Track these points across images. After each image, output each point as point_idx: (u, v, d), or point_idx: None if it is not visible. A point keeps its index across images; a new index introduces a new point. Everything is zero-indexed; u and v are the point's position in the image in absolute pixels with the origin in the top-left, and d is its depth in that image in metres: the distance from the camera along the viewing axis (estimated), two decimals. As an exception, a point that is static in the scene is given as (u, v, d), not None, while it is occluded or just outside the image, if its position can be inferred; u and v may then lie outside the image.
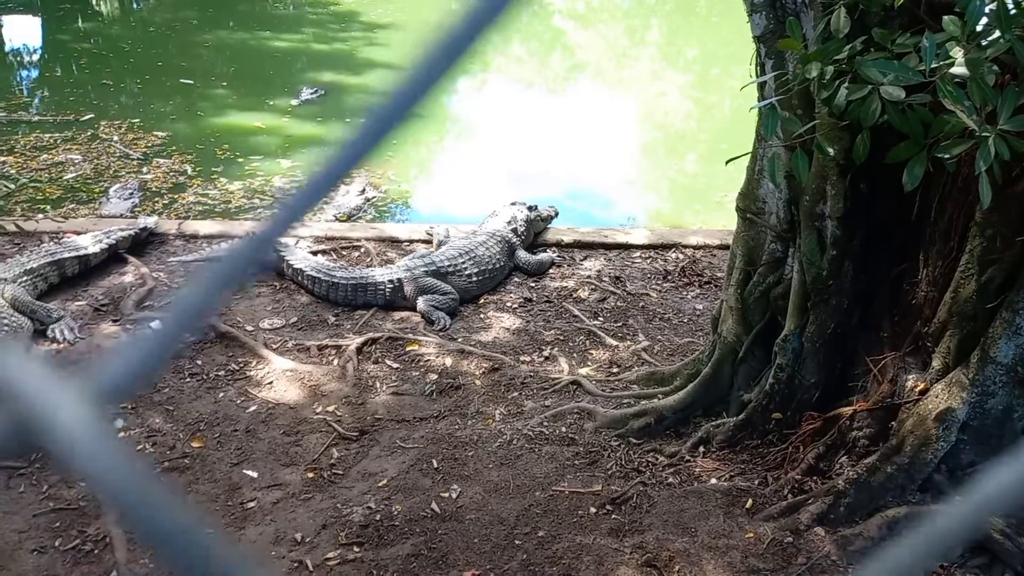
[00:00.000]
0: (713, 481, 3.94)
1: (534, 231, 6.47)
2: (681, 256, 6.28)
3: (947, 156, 2.73)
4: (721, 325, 4.29)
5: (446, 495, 4.03)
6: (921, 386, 3.55)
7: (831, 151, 3.25)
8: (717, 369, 4.26)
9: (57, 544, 3.72)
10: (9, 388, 0.36)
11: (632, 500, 3.88)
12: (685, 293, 5.85)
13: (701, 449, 4.12)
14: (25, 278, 5.39)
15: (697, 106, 11.55)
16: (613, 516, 3.82)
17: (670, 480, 3.98)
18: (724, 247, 6.17)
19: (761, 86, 3.78)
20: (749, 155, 4.05)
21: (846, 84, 2.83)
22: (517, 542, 3.74)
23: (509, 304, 5.80)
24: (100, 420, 0.36)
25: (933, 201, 3.44)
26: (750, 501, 3.76)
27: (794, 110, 3.48)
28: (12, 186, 7.22)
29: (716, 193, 7.99)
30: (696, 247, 6.38)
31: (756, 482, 3.87)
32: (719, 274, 5.92)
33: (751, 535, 3.60)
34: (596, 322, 5.52)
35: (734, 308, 4.19)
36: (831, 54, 2.89)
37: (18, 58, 12.60)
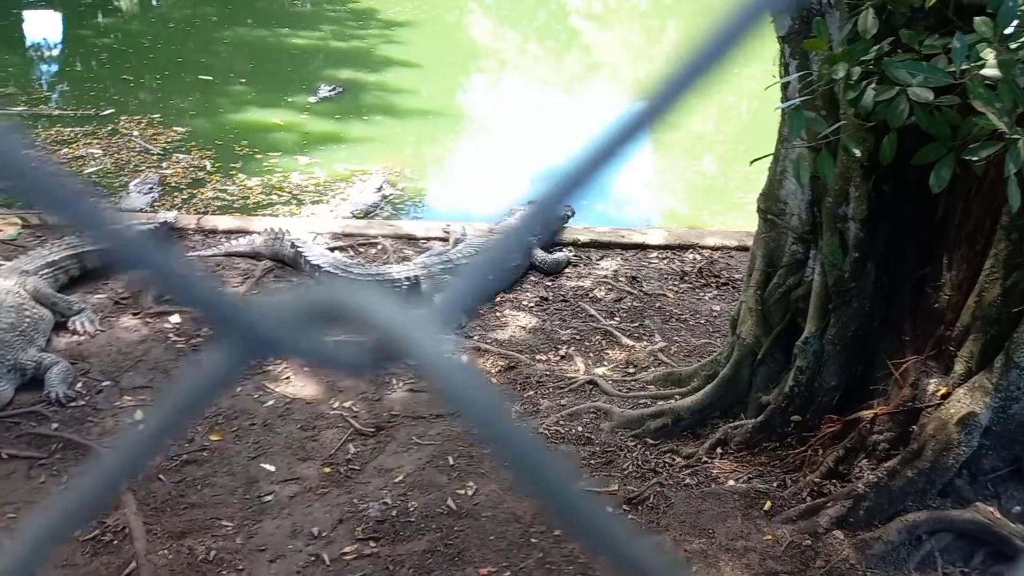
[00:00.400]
0: (731, 483, 3.92)
1: (551, 230, 6.46)
2: (698, 257, 6.26)
3: (976, 158, 2.71)
4: (740, 326, 4.27)
5: (462, 492, 4.04)
6: (943, 390, 3.53)
7: (857, 152, 3.24)
8: (735, 371, 4.25)
9: (76, 534, 3.74)
10: (368, 317, 0.41)
11: (649, 500, 3.87)
12: (702, 294, 5.83)
13: (719, 450, 4.10)
14: (47, 270, 5.43)
15: (714, 107, 11.51)
16: (630, 516, 3.82)
17: (687, 481, 3.97)
18: (742, 248, 6.15)
19: (785, 86, 3.76)
20: (771, 156, 4.04)
21: (873, 85, 2.82)
22: (533, 540, 3.74)
23: (525, 303, 5.80)
24: (453, 347, 0.40)
25: (958, 203, 3.41)
26: (768, 503, 3.75)
27: (818, 111, 3.47)
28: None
29: (735, 194, 7.97)
30: (714, 248, 6.36)
31: (774, 484, 3.86)
32: (737, 275, 5.90)
33: (769, 537, 3.59)
34: (612, 322, 5.51)
35: (753, 310, 4.18)
36: (858, 55, 2.87)
37: (39, 53, 12.69)
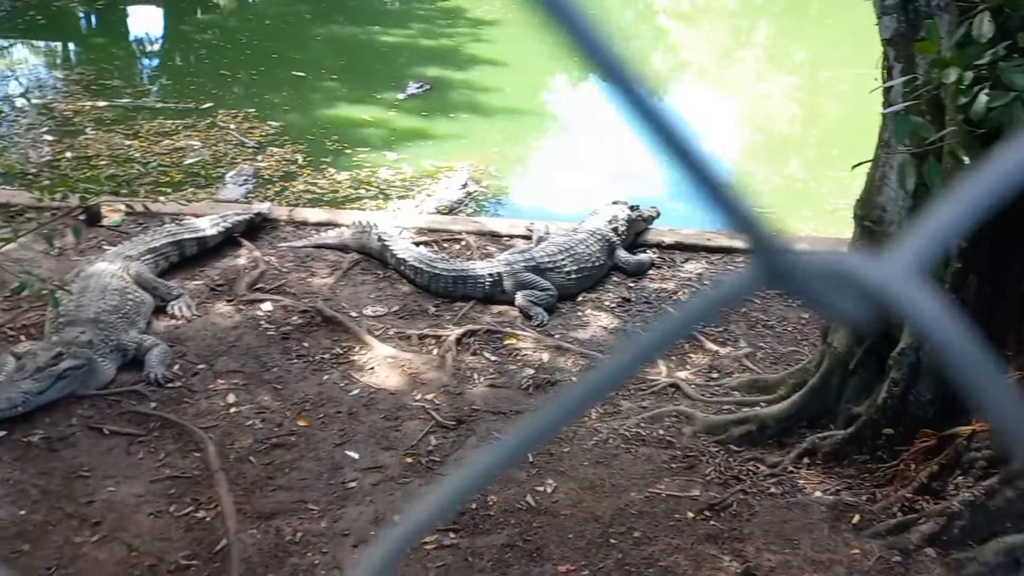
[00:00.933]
0: (818, 494, 3.84)
1: (635, 231, 6.43)
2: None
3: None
4: (831, 335, 4.18)
5: (541, 489, 4.06)
6: (1047, 409, 3.38)
7: (965, 159, 3.13)
8: (825, 380, 4.16)
9: (172, 510, 3.90)
10: (858, 277, 0.47)
11: (732, 507, 3.83)
12: (791, 301, 5.72)
13: (805, 460, 4.02)
14: (148, 256, 5.67)
15: (803, 109, 11.26)
16: (711, 522, 3.78)
17: (772, 490, 3.91)
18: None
19: (887, 91, 3.66)
20: (871, 162, 3.93)
21: (986, 91, 2.72)
22: (612, 541, 3.74)
23: (607, 303, 5.79)
24: (938, 298, 0.45)
25: (1071, 215, 3.27)
26: (857, 517, 3.66)
27: (923, 115, 3.37)
28: (142, 168, 7.59)
29: (826, 200, 7.78)
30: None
31: (864, 498, 3.76)
32: (826, 283, 5.77)
33: (857, 551, 3.50)
34: (696, 326, 5.45)
35: (846, 318, 4.07)
36: (971, 59, 2.78)
37: (142, 47, 13.22)
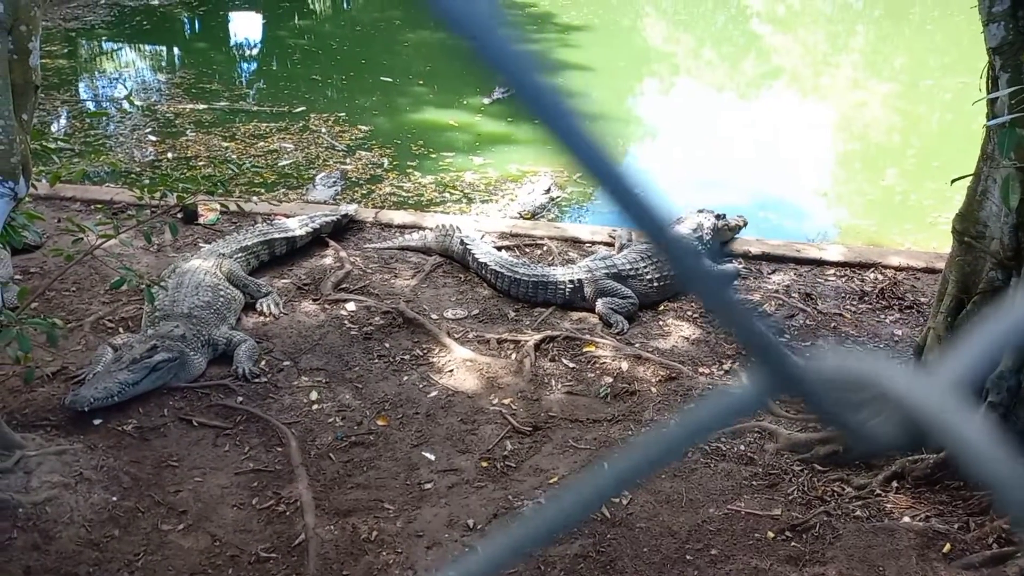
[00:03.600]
0: (906, 519, 3.69)
1: (720, 240, 6.31)
2: (880, 277, 5.92)
3: None
4: (926, 354, 4.00)
5: (616, 500, 4.01)
6: None
7: (1075, 174, 2.96)
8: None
9: (254, 503, 4.01)
10: (886, 388, 0.42)
11: (814, 529, 3.71)
12: (883, 316, 5.52)
13: (894, 484, 3.86)
14: (240, 255, 5.86)
15: (902, 119, 10.86)
16: (792, 543, 3.67)
17: (857, 513, 3.77)
18: (930, 271, 5.78)
19: (992, 102, 3.49)
20: (972, 175, 3.76)
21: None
22: (688, 557, 3.67)
23: (689, 313, 5.69)
24: (984, 424, 0.41)
25: None
26: (948, 546, 3.50)
27: (1031, 128, 3.20)
28: (237, 169, 7.86)
29: (929, 213, 7.48)
30: (898, 268, 6.00)
31: (956, 526, 3.59)
32: (923, 299, 5.55)
33: (946, 582, 3.35)
34: (782, 340, 5.30)
35: (943, 337, 3.90)
36: (1085, 68, 2.62)
37: (240, 52, 13.69)
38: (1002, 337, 0.42)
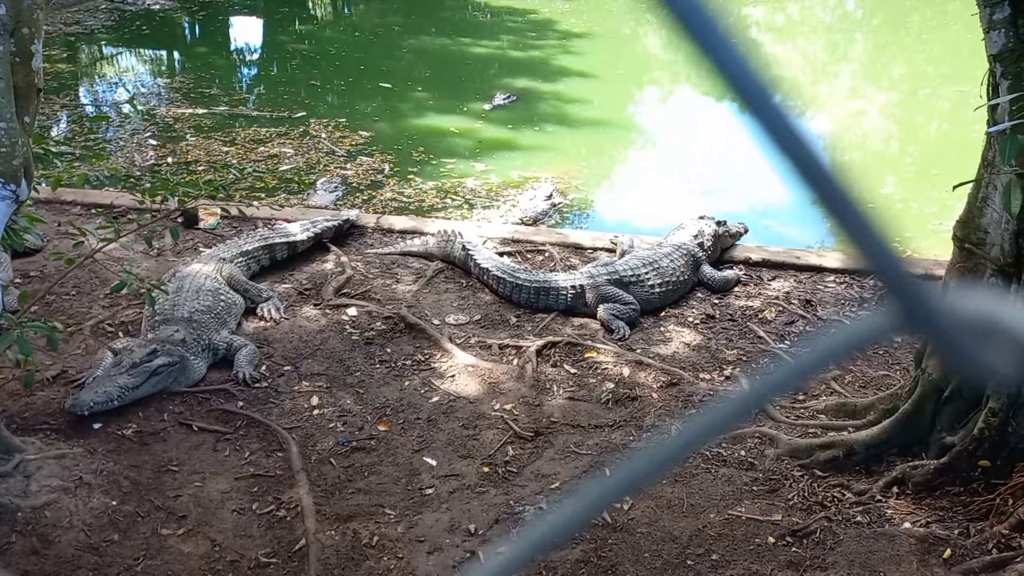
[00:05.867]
0: (907, 525, 3.69)
1: (721, 247, 6.32)
2: (880, 284, 5.92)
3: None
4: (926, 360, 4.01)
5: (618, 505, 4.00)
6: None
7: (1077, 181, 2.97)
8: (918, 407, 3.99)
9: (255, 507, 4.00)
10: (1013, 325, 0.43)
11: (815, 535, 3.70)
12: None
13: (895, 490, 3.86)
14: (241, 259, 5.86)
15: (900, 127, 10.89)
16: (793, 549, 3.67)
17: (858, 518, 3.77)
18: (929, 277, 5.77)
19: (993, 108, 3.51)
20: (973, 182, 3.77)
21: (1104, 108, 2.58)
22: (689, 562, 3.67)
23: (690, 319, 5.69)
24: None
25: None
26: (948, 551, 3.49)
27: (1032, 135, 3.21)
28: (238, 174, 7.87)
29: (931, 221, 7.49)
30: (897, 275, 6.01)
31: (956, 532, 3.59)
32: (922, 306, 5.55)
33: (948, 588, 3.34)
34: (782, 345, 5.32)
35: (942, 343, 3.90)
36: (1087, 75, 2.63)
37: (240, 56, 13.73)
38: None
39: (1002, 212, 3.53)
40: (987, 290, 4.26)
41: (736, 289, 6.00)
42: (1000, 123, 3.41)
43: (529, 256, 6.45)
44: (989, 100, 3.52)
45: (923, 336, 0.44)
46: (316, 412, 4.66)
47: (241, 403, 4.72)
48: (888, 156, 10.08)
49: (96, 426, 4.41)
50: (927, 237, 7.23)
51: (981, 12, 3.50)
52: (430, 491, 4.13)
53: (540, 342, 5.31)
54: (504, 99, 10.41)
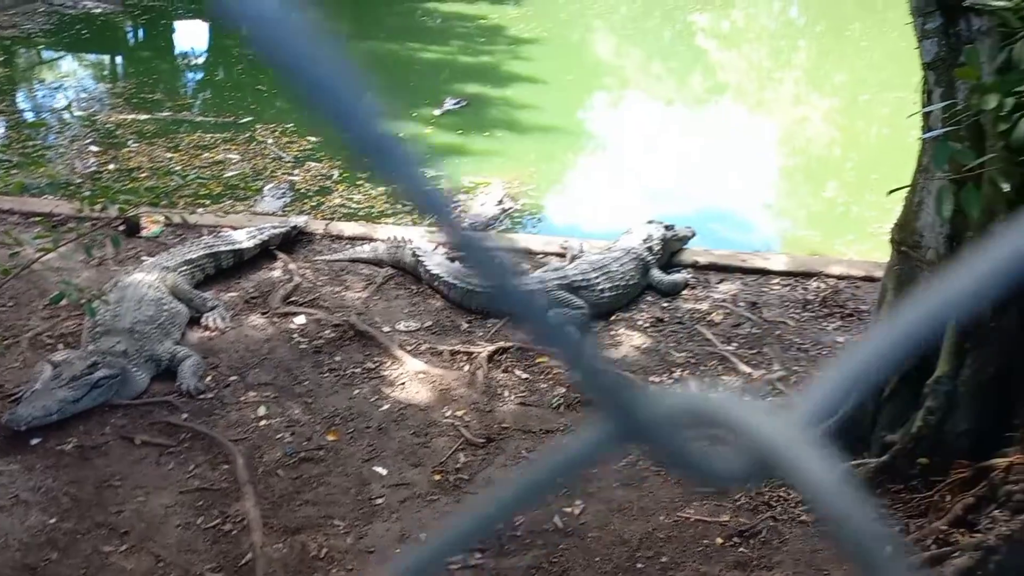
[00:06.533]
0: (850, 523, 3.77)
1: (669, 251, 6.39)
2: (823, 285, 6.05)
3: None
4: (866, 361, 4.10)
5: (569, 510, 4.02)
6: (1090, 443, 3.29)
7: (1005, 186, 3.07)
8: (859, 406, 4.08)
9: (199, 522, 3.93)
10: (742, 428, 0.41)
11: (761, 535, 3.77)
12: (825, 324, 5.63)
13: (838, 489, 3.94)
14: (185, 268, 5.75)
15: (842, 133, 11.14)
16: (740, 549, 3.72)
17: (803, 518, 3.84)
18: (869, 279, 5.92)
19: (927, 115, 3.61)
20: (908, 187, 3.87)
21: (1028, 116, 2.67)
22: (639, 565, 3.70)
23: (640, 322, 5.74)
24: (832, 461, 0.41)
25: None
26: (889, 548, 3.57)
27: (963, 141, 3.31)
28: (180, 181, 7.72)
29: (871, 224, 7.66)
30: (839, 277, 6.14)
31: (897, 529, 3.68)
32: (863, 307, 5.68)
33: (889, 584, 3.42)
34: (729, 347, 5.39)
35: (882, 344, 4.00)
36: (1011, 85, 2.73)
37: (185, 61, 13.49)
38: (857, 370, 0.43)
39: (936, 217, 3.63)
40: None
41: (684, 292, 6.07)
42: (934, 130, 3.51)
43: (479, 262, 6.44)
44: (923, 107, 3.62)
45: (646, 448, 0.43)
46: (263, 423, 4.59)
47: (185, 415, 4.63)
48: (830, 161, 10.31)
49: (34, 441, 4.29)
50: (867, 240, 7.39)
51: (915, 22, 3.60)
52: (380, 501, 4.10)
53: (491, 347, 5.31)
54: (454, 104, 10.39)
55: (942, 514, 3.61)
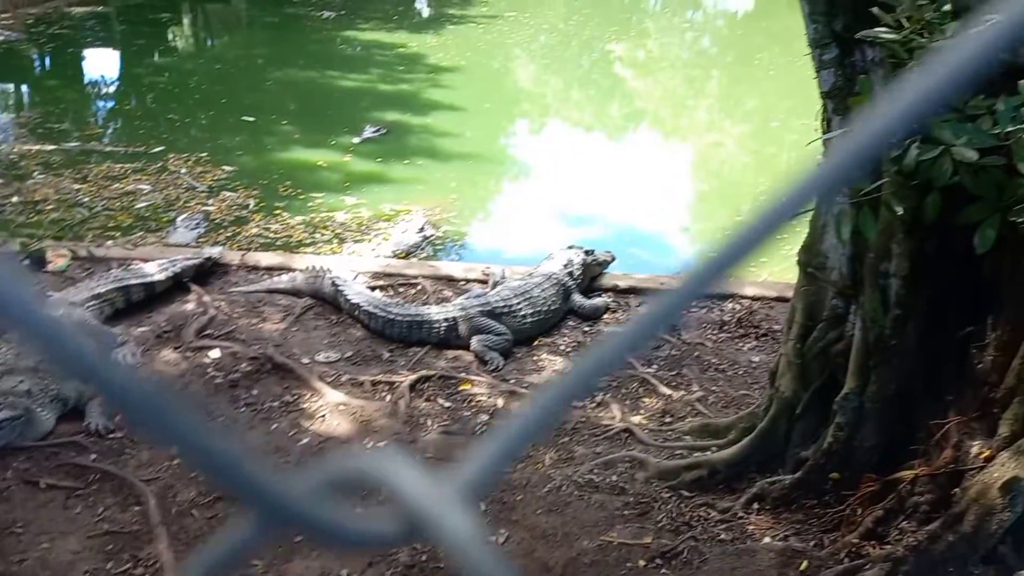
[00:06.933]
0: (767, 540, 3.85)
1: (590, 275, 6.47)
2: (738, 307, 6.21)
3: (1022, 220, 2.68)
4: (779, 379, 4.22)
5: (492, 539, 4.00)
6: (986, 453, 3.44)
7: (899, 210, 3.21)
8: (773, 424, 4.19)
9: (109, 567, 3.78)
10: (390, 487, 0.41)
11: (683, 555, 3.81)
12: (741, 344, 5.78)
13: (755, 506, 4.03)
14: (93, 302, 5.56)
15: (754, 158, 11.51)
16: (663, 570, 3.76)
17: (722, 536, 3.90)
18: (782, 299, 6.10)
19: (827, 142, 3.76)
20: (812, 211, 4.02)
21: (917, 144, 2.81)
22: (563, 591, 3.69)
23: (562, 347, 5.79)
24: (478, 526, 0.41)
25: (1004, 264, 3.36)
26: (805, 563, 3.66)
27: (861, 166, 3.45)
28: (87, 212, 7.48)
29: (782, 246, 7.91)
30: (753, 298, 6.32)
31: (811, 543, 3.77)
32: (776, 327, 5.85)
33: (805, 599, 3.50)
34: (650, 370, 5.47)
35: (793, 363, 4.13)
36: (902, 112, 2.86)
37: (94, 90, 13.12)
38: (520, 433, 0.45)
39: (837, 238, 3.77)
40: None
41: (605, 316, 6.15)
42: (834, 155, 3.65)
43: (401, 290, 6.42)
44: (823, 134, 3.77)
45: (301, 529, 0.44)
46: (176, 462, 4.44)
47: (94, 456, 4.45)
48: (743, 185, 10.61)
49: (-71, 489, 4.07)
50: (780, 262, 7.61)
51: (813, 53, 3.76)
52: (299, 538, 4.00)
53: (413, 377, 5.27)
54: (374, 132, 10.36)
55: (853, 527, 3.73)
